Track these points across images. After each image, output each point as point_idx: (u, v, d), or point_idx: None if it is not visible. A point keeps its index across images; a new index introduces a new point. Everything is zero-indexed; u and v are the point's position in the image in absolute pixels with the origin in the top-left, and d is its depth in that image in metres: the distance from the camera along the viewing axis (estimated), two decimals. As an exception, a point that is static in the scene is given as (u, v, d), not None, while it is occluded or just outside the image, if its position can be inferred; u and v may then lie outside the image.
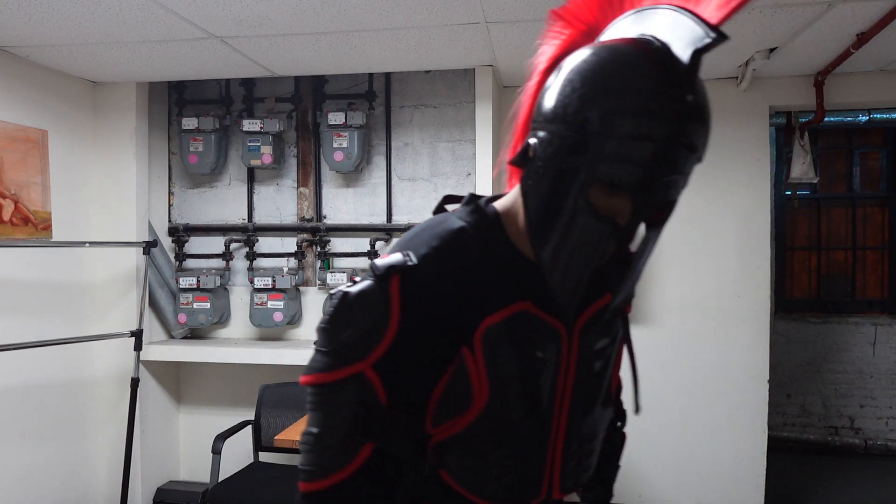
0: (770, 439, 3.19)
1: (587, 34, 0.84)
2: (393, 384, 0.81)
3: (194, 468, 3.55)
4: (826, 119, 3.19)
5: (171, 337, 3.47)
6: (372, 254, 3.28)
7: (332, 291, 0.88)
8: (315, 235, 3.38)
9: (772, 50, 2.68)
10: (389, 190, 3.35)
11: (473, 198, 0.91)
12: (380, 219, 3.36)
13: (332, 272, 3.22)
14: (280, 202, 3.44)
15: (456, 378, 0.83)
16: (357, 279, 0.84)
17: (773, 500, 3.27)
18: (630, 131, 0.71)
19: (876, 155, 4.63)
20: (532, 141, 0.79)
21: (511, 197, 0.89)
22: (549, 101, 0.77)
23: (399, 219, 3.34)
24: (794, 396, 4.54)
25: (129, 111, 3.22)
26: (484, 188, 3.01)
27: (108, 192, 3.23)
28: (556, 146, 0.76)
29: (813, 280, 4.68)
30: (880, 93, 3.08)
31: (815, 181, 3.63)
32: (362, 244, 3.34)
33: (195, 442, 3.52)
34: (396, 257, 0.82)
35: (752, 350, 3.16)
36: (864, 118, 3.46)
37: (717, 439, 3.18)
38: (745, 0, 0.72)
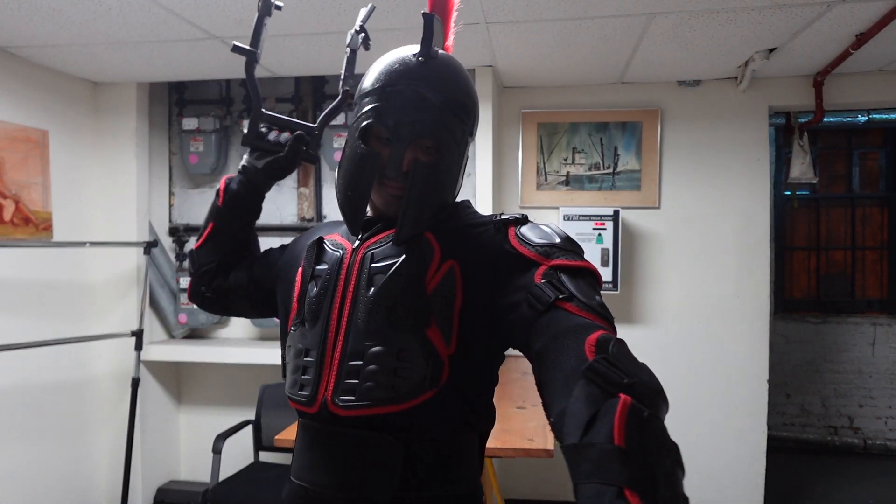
0: (769, 439, 3.20)
1: None
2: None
3: (194, 468, 3.55)
4: (825, 119, 3.19)
5: (172, 337, 3.48)
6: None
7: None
8: (315, 235, 3.38)
9: (771, 50, 2.68)
10: (389, 190, 3.35)
11: None
12: (380, 219, 3.36)
13: (332, 272, 3.22)
14: (280, 202, 3.45)
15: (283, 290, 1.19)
16: None
17: (773, 500, 3.28)
18: (380, 84, 1.03)
19: (875, 155, 4.64)
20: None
21: None
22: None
23: (399, 219, 3.34)
24: (793, 396, 4.55)
25: (129, 111, 3.22)
26: (484, 188, 3.02)
27: (109, 192, 3.23)
28: (353, 115, 1.08)
29: (812, 280, 4.68)
30: (879, 93, 3.08)
31: (815, 181, 3.63)
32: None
33: (195, 442, 3.53)
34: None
35: (751, 350, 3.17)
36: (864, 118, 3.47)
37: (717, 439, 3.18)
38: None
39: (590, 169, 3.29)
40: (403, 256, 0.99)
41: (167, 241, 3.49)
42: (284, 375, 1.11)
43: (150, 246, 3.16)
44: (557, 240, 0.97)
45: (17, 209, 2.78)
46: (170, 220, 3.52)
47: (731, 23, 2.36)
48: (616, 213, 3.11)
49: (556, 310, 0.86)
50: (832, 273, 4.66)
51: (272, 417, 3.04)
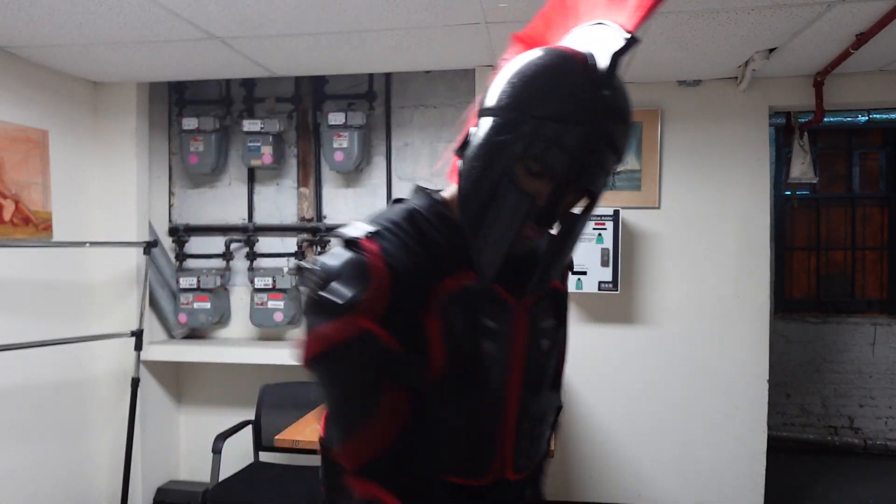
0: (769, 439, 3.20)
1: None
2: (394, 327, 0.84)
3: (194, 468, 3.55)
4: (825, 119, 3.19)
5: (172, 337, 3.48)
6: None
7: (301, 265, 0.90)
8: (315, 235, 3.38)
9: (771, 50, 2.68)
10: (389, 190, 3.35)
11: (420, 188, 1.00)
12: (380, 219, 3.36)
13: (332, 272, 3.22)
14: (280, 202, 3.45)
15: (416, 345, 0.87)
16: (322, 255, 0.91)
17: (773, 500, 3.27)
18: (553, 114, 0.81)
19: (875, 155, 4.64)
20: (472, 129, 0.90)
21: (455, 187, 0.96)
22: (488, 95, 0.88)
23: (399, 219, 3.34)
24: (793, 396, 4.55)
25: (129, 111, 3.22)
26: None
27: (109, 192, 3.23)
28: (490, 128, 0.85)
29: (812, 280, 4.68)
30: (880, 93, 3.08)
31: (815, 181, 3.63)
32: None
33: (195, 442, 3.53)
34: (360, 227, 0.88)
35: (751, 350, 3.17)
36: (864, 118, 3.46)
37: (717, 439, 3.18)
38: (652, 4, 0.81)
39: (590, 169, 3.29)
40: (559, 320, 1.02)
41: (167, 241, 3.49)
42: (406, 445, 0.87)
43: (149, 246, 3.16)
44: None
45: (17, 209, 2.78)
46: (170, 220, 3.52)
47: (731, 23, 2.36)
48: (616, 212, 3.11)
49: None
50: (832, 273, 4.66)
51: (272, 417, 3.04)
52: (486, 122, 0.86)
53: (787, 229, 4.68)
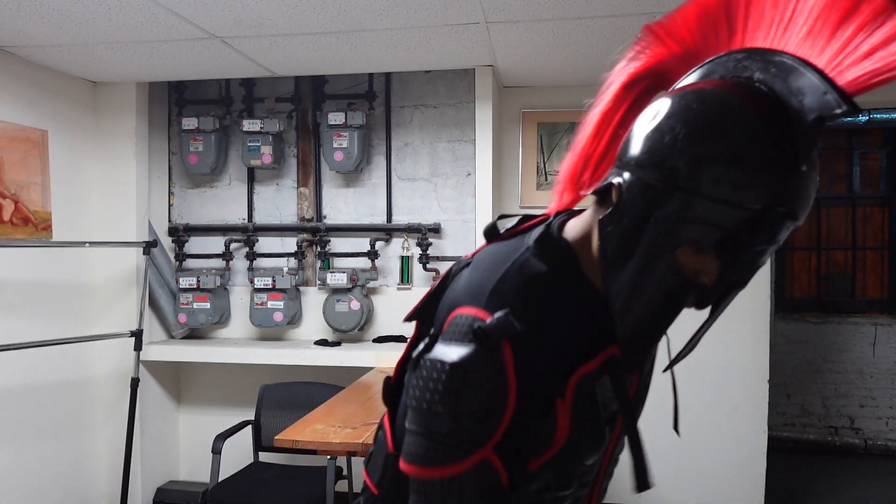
0: (770, 439, 3.20)
1: (682, 58, 0.77)
2: (510, 460, 0.73)
3: (194, 468, 3.55)
4: (826, 119, 3.19)
5: (171, 337, 3.47)
6: (372, 254, 3.28)
7: (425, 358, 0.74)
8: (315, 235, 3.38)
9: (772, 50, 2.68)
10: (389, 190, 3.35)
11: (548, 229, 0.82)
12: (380, 219, 3.36)
13: (332, 272, 3.22)
14: (280, 202, 3.44)
15: (541, 423, 0.76)
16: (446, 342, 0.73)
17: (773, 500, 3.27)
18: (738, 200, 0.65)
19: (876, 155, 4.63)
20: (616, 181, 0.73)
21: (581, 226, 0.81)
22: (645, 142, 0.70)
23: (399, 219, 3.34)
24: (794, 396, 4.54)
25: (129, 111, 3.22)
26: (484, 188, 3.01)
27: (108, 192, 3.23)
28: (650, 197, 0.70)
29: (813, 280, 4.68)
30: (880, 93, 3.04)
31: (815, 181, 3.62)
32: (362, 244, 3.34)
33: (195, 442, 3.52)
34: (501, 319, 0.71)
35: (751, 350, 3.17)
36: (864, 118, 3.47)
37: (717, 439, 3.18)
38: (891, 77, 0.61)
39: (590, 169, 3.29)
40: (645, 379, 0.98)
41: (167, 241, 3.49)
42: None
43: (149, 246, 3.16)
44: None
45: (16, 209, 2.78)
46: (169, 220, 3.52)
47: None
48: (616, 213, 3.11)
49: None
50: (832, 273, 4.66)
51: (272, 417, 3.04)
52: (641, 185, 0.70)
53: (787, 229, 4.67)
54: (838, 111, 0.61)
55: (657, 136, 0.69)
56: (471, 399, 0.69)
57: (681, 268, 0.71)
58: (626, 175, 0.72)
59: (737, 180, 0.65)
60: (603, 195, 0.76)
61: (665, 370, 0.85)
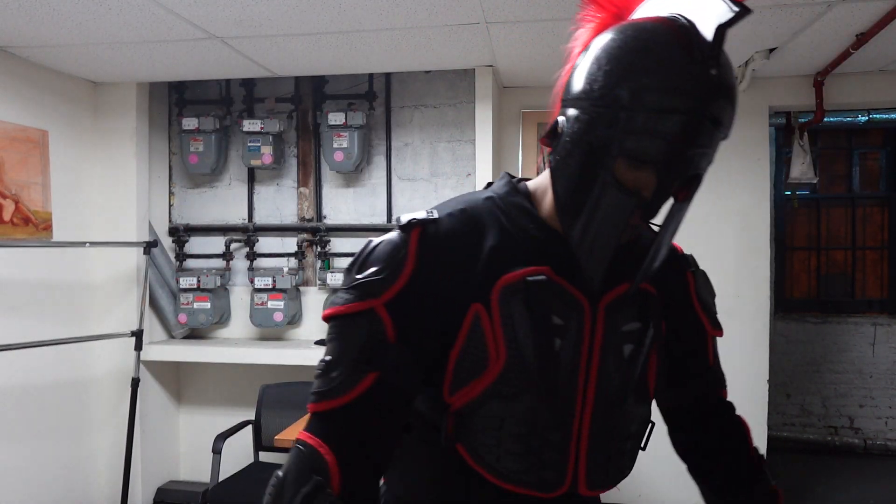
0: (770, 439, 3.20)
1: (618, 17, 0.85)
2: (402, 324, 0.83)
3: (194, 468, 3.55)
4: (825, 119, 3.19)
5: (172, 337, 3.48)
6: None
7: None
8: (315, 235, 3.38)
9: (771, 50, 2.68)
10: (389, 190, 3.35)
11: (507, 175, 0.96)
12: (380, 219, 3.36)
13: (332, 272, 3.23)
14: (280, 202, 3.45)
15: (472, 339, 0.83)
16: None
17: (773, 500, 3.27)
18: (655, 105, 0.74)
19: (875, 155, 4.64)
20: (560, 119, 0.82)
21: (542, 176, 0.92)
22: (578, 79, 0.80)
23: (399, 219, 3.34)
24: (793, 396, 4.54)
25: (129, 111, 3.22)
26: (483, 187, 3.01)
27: (109, 192, 3.23)
28: (584, 122, 0.78)
29: (812, 280, 4.68)
30: (880, 93, 3.08)
31: (815, 181, 3.63)
32: (362, 244, 3.34)
33: (195, 442, 3.53)
34: (420, 213, 0.87)
35: (751, 350, 3.17)
36: (864, 118, 3.46)
37: (717, 439, 3.18)
38: None
39: (590, 169, 3.29)
40: (648, 325, 0.91)
41: (167, 241, 3.49)
42: (447, 438, 0.86)
43: (149, 246, 3.16)
44: (714, 299, 1.05)
45: (17, 209, 2.78)
46: (170, 220, 3.52)
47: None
48: (616, 213, 3.11)
49: (718, 395, 1.08)
50: (832, 273, 4.66)
51: (272, 417, 3.04)
52: (577, 115, 0.79)
53: (787, 229, 4.67)
54: (731, 15, 0.73)
55: (588, 70, 0.79)
56: (373, 262, 0.85)
57: (622, 183, 0.78)
58: (568, 111, 0.81)
59: (653, 88, 0.73)
60: (552, 139, 0.85)
61: (631, 289, 0.88)
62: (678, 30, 0.75)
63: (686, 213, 0.86)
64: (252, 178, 3.47)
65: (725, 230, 3.19)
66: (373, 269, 0.84)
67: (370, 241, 0.88)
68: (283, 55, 2.77)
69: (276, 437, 2.40)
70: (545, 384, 0.83)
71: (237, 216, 3.48)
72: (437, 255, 0.84)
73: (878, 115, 3.47)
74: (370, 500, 0.84)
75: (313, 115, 3.39)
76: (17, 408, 2.80)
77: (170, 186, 3.53)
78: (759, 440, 3.14)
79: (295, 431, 2.43)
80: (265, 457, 3.05)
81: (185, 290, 3.28)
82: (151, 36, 2.51)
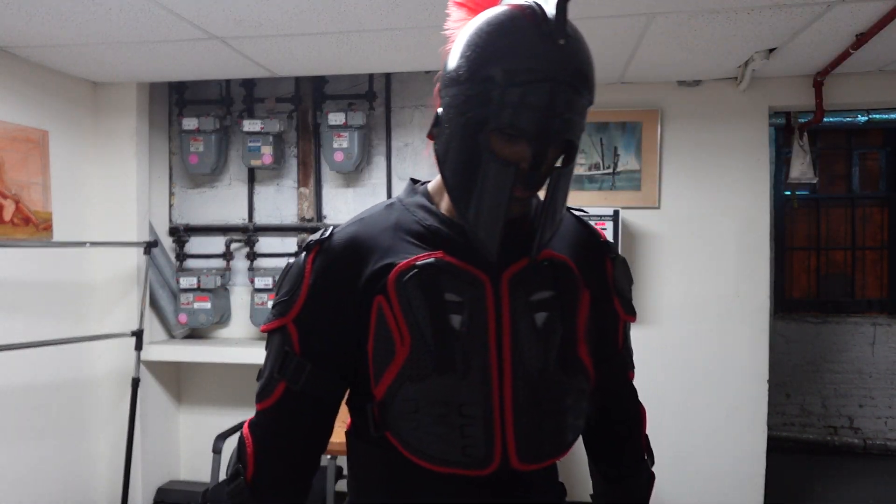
0: (769, 439, 3.20)
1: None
2: (306, 336, 0.93)
3: (195, 468, 3.55)
4: (825, 119, 3.19)
5: (172, 337, 3.48)
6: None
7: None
8: (315, 235, 3.38)
9: (771, 50, 2.68)
10: (389, 190, 3.35)
11: (411, 180, 1.04)
12: (380, 219, 3.36)
13: (332, 272, 3.22)
14: (280, 202, 3.45)
15: (379, 329, 0.90)
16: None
17: (773, 500, 3.27)
18: (514, 79, 0.80)
19: (875, 155, 4.64)
20: (439, 110, 0.90)
21: (439, 175, 0.98)
22: (448, 70, 0.87)
23: (399, 219, 3.34)
24: (793, 396, 4.55)
25: (129, 111, 3.22)
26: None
27: (109, 192, 3.23)
28: (457, 106, 0.85)
29: (812, 280, 4.68)
30: (879, 93, 3.08)
31: (815, 181, 3.63)
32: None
33: (195, 442, 3.53)
34: (318, 233, 0.97)
35: (751, 350, 3.17)
36: (864, 118, 3.46)
37: (717, 439, 3.18)
38: None
39: (590, 169, 3.29)
40: (559, 291, 0.93)
41: (167, 241, 3.49)
42: (376, 428, 0.92)
43: (150, 246, 3.16)
44: (631, 287, 1.10)
45: (17, 209, 2.78)
46: (170, 220, 3.52)
47: (731, 23, 2.36)
48: (616, 213, 3.11)
49: (625, 378, 1.12)
50: (832, 273, 4.66)
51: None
52: (450, 102, 0.87)
53: (787, 229, 4.68)
54: None
55: (453, 59, 0.86)
56: (285, 283, 0.96)
57: (500, 157, 0.84)
58: (444, 100, 0.88)
59: (510, 64, 0.80)
60: (435, 130, 0.92)
61: (531, 258, 0.91)
62: (526, 10, 0.82)
63: (569, 180, 0.91)
64: (252, 178, 3.47)
65: (725, 230, 3.19)
66: (285, 290, 0.96)
67: (288, 263, 0.99)
68: (283, 55, 2.77)
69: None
70: (447, 360, 0.86)
71: (237, 216, 3.48)
72: (330, 268, 0.93)
73: (877, 116, 3.47)
74: (280, 491, 0.96)
75: (313, 115, 3.39)
76: (17, 408, 2.80)
77: (170, 186, 3.53)
78: (759, 440, 3.15)
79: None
80: (265, 457, 3.05)
81: (186, 290, 3.29)
82: (151, 36, 2.51)
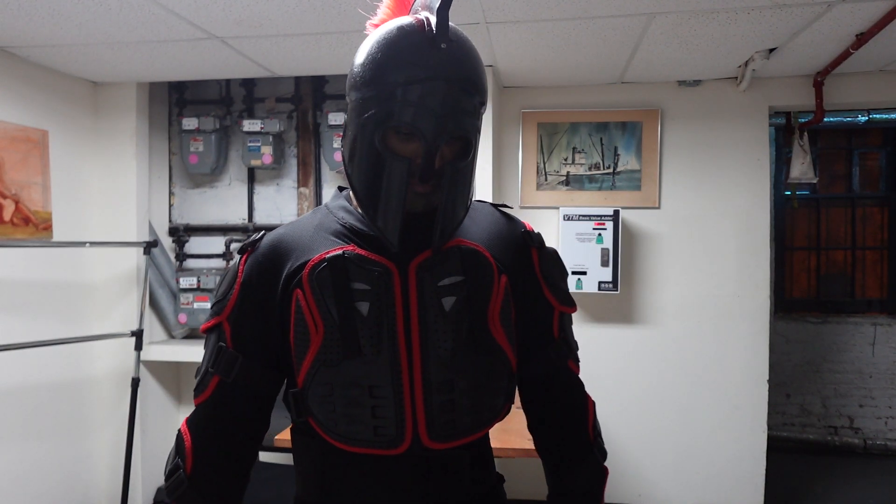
0: (769, 439, 3.20)
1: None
2: (238, 332, 1.00)
3: (194, 468, 3.55)
4: (825, 119, 3.19)
5: (172, 337, 3.48)
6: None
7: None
8: (315, 235, 3.38)
9: (771, 50, 2.68)
10: (389, 190, 3.35)
11: (338, 188, 1.11)
12: (380, 219, 3.36)
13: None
14: (280, 202, 3.45)
15: (297, 320, 0.96)
16: None
17: (773, 500, 3.28)
18: (402, 79, 0.87)
19: (875, 155, 4.64)
20: (344, 118, 1.00)
21: None
22: (350, 77, 0.95)
23: (399, 219, 3.34)
24: (793, 396, 4.55)
25: (129, 111, 3.22)
26: (484, 188, 3.02)
27: (109, 192, 3.23)
28: (355, 108, 0.93)
29: (812, 280, 4.68)
30: (880, 93, 3.08)
31: (815, 181, 3.63)
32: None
33: (195, 442, 3.52)
34: (252, 237, 1.04)
35: (751, 350, 3.17)
36: (864, 118, 3.46)
37: (717, 439, 3.18)
38: None
39: (590, 169, 3.29)
40: (467, 276, 0.97)
41: (167, 241, 3.49)
42: (298, 415, 1.00)
43: (150, 246, 3.16)
44: (565, 278, 1.13)
45: (17, 209, 2.78)
46: (170, 220, 3.52)
47: (731, 23, 2.36)
48: (616, 213, 3.11)
49: (565, 367, 1.11)
50: (832, 273, 4.66)
51: (272, 417, 3.03)
52: (351, 105, 0.95)
53: (787, 229, 4.68)
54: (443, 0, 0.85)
55: (354, 67, 0.95)
56: (222, 284, 1.04)
57: (393, 150, 0.90)
58: (348, 105, 0.97)
59: (399, 66, 0.88)
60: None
61: (435, 247, 0.95)
62: (416, 21, 0.90)
63: (467, 175, 0.96)
64: (252, 178, 3.47)
65: (725, 230, 3.19)
66: (221, 291, 1.03)
67: (226, 267, 1.06)
68: (283, 55, 2.77)
69: (275, 437, 2.39)
70: (355, 344, 0.92)
71: (237, 216, 3.48)
72: (257, 267, 1.00)
73: (877, 116, 3.47)
74: (219, 482, 1.01)
75: (313, 115, 3.39)
76: (17, 408, 2.80)
77: (170, 186, 3.53)
78: (759, 440, 3.15)
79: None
80: (265, 457, 3.05)
81: (186, 290, 3.28)
82: (151, 36, 2.51)
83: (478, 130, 0.96)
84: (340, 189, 1.10)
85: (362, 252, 0.95)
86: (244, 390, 1.02)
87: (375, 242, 0.96)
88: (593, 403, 1.14)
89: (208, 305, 3.29)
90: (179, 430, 1.04)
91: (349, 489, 0.99)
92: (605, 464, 1.13)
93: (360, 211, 1.00)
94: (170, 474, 1.01)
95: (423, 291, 0.95)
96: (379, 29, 0.95)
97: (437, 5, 0.87)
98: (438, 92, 0.88)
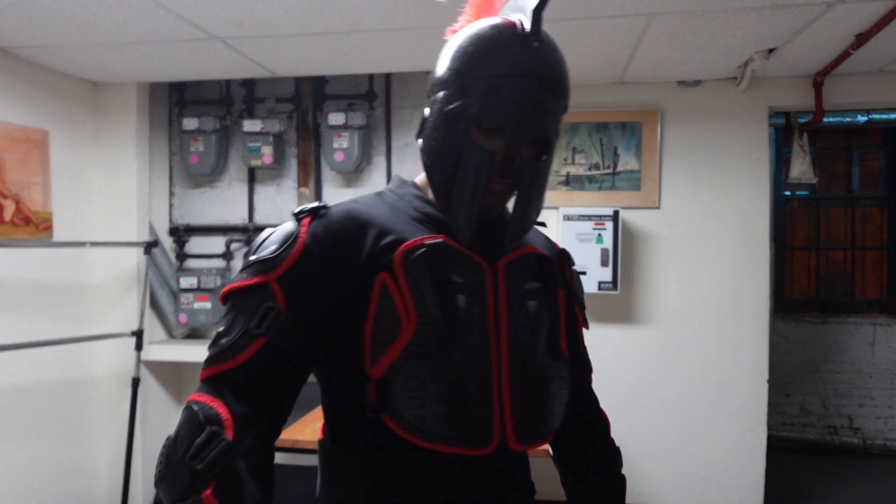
0: (769, 439, 3.20)
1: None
2: (293, 296, 0.88)
3: (194, 468, 3.55)
4: (825, 119, 3.19)
5: (172, 337, 3.48)
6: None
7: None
8: (315, 235, 3.38)
9: (771, 50, 2.68)
10: (389, 190, 3.35)
11: (397, 175, 1.09)
12: (380, 219, 3.36)
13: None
14: (280, 202, 3.45)
15: (382, 306, 0.89)
16: None
17: (773, 500, 3.28)
18: (492, 73, 0.88)
19: (875, 155, 4.64)
20: (426, 110, 0.97)
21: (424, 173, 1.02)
22: (437, 72, 0.95)
23: (399, 219, 3.34)
24: (793, 396, 4.55)
25: (129, 111, 3.22)
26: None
27: (109, 192, 3.23)
28: (442, 100, 0.92)
29: (812, 280, 4.68)
30: (879, 93, 3.08)
31: (815, 181, 3.63)
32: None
33: (195, 442, 3.52)
34: (315, 205, 0.94)
35: (751, 350, 3.17)
36: (863, 119, 3.47)
37: (717, 439, 3.18)
38: None
39: (590, 169, 3.29)
40: (544, 282, 1.01)
41: (167, 241, 3.49)
42: (373, 409, 0.89)
43: (150, 246, 3.16)
44: (584, 301, 1.18)
45: (17, 209, 2.78)
46: (170, 220, 3.52)
47: (731, 23, 2.36)
48: (616, 213, 3.12)
49: (588, 381, 1.20)
50: (832, 273, 4.66)
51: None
52: (436, 98, 0.94)
53: (787, 229, 4.68)
54: (539, 1, 0.86)
55: (441, 65, 0.95)
56: (267, 245, 0.91)
57: (476, 143, 0.90)
58: (431, 99, 0.96)
59: (491, 62, 0.88)
60: (421, 131, 0.98)
61: (507, 243, 0.96)
62: (506, 21, 0.91)
63: (545, 176, 0.96)
64: (252, 178, 3.47)
65: (725, 230, 3.19)
66: (267, 251, 0.90)
67: (266, 231, 0.95)
68: (283, 55, 2.78)
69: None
70: (453, 339, 0.88)
71: (237, 216, 3.48)
72: (327, 237, 0.90)
73: (877, 116, 3.47)
74: (261, 452, 0.91)
75: (313, 115, 3.39)
76: (17, 408, 2.81)
77: (170, 186, 3.54)
78: (759, 440, 3.15)
79: (296, 431, 2.44)
80: (265, 457, 3.05)
81: (186, 290, 3.29)
82: (151, 36, 2.51)
83: (557, 135, 0.95)
84: (397, 176, 1.08)
85: (457, 246, 0.92)
86: (289, 361, 0.88)
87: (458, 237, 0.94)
88: (608, 419, 1.23)
89: (208, 305, 3.29)
90: (199, 404, 0.85)
91: (415, 490, 0.91)
92: None
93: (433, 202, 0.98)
94: (202, 446, 0.81)
95: (512, 292, 0.95)
96: (469, 26, 0.95)
97: (533, 5, 0.86)
98: (527, 89, 0.88)
